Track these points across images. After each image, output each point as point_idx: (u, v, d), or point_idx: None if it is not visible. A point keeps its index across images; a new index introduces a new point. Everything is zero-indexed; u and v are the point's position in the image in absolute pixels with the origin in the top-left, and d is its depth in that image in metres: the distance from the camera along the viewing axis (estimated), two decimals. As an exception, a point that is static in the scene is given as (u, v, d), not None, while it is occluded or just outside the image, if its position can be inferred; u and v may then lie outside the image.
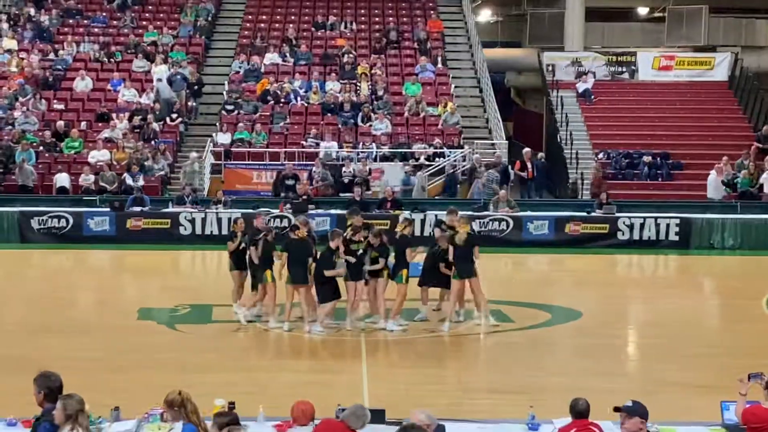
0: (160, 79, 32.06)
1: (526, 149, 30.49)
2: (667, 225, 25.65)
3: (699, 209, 26.68)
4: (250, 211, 24.08)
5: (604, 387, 12.91)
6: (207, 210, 25.58)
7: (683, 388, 13.11)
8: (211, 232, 25.37)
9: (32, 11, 36.19)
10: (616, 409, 8.60)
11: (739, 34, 40.23)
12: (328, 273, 15.48)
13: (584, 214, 26.02)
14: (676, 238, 25.63)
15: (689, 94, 35.57)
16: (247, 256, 16.48)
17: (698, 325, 17.43)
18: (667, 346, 15.44)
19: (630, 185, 30.27)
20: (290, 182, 27.20)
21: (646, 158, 30.80)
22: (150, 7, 37.88)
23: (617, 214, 25.79)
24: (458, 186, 29.24)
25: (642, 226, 25.57)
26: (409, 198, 27.49)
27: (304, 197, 26.18)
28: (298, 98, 32.55)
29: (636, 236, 25.55)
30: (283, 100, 32.31)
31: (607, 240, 25.56)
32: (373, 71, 33.76)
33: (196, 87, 32.76)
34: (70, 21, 36.37)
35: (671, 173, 30.72)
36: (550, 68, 36.02)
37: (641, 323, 18.14)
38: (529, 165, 29.35)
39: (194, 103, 32.53)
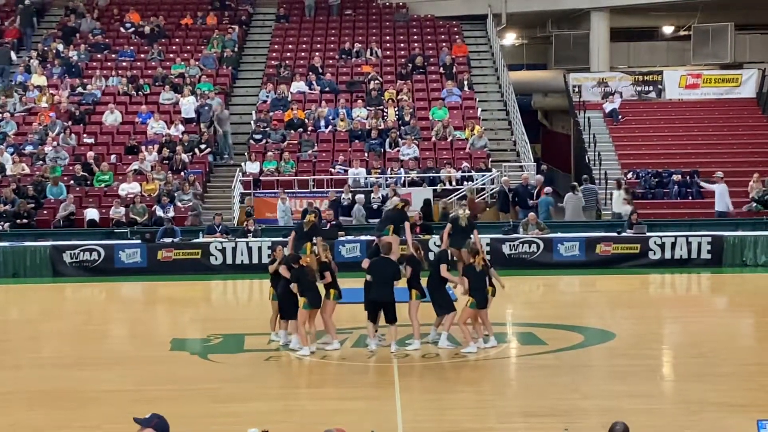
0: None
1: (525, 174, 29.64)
2: (699, 243, 25.51)
3: (730, 227, 26.52)
4: (281, 239, 24.18)
5: (640, 408, 12.83)
6: (237, 239, 25.68)
7: (719, 408, 12.99)
8: (242, 261, 25.47)
9: (61, 47, 36.59)
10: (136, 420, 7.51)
11: (766, 50, 40.11)
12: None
13: (615, 234, 25.92)
14: (708, 256, 25.48)
15: (717, 111, 35.45)
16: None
17: (732, 344, 17.27)
18: (702, 365, 15.33)
19: (660, 204, 30.15)
20: (313, 218, 26.93)
21: (676, 177, 30.67)
22: (177, 40, 38.20)
23: (648, 234, 25.68)
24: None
25: (673, 245, 25.44)
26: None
27: (333, 223, 26.19)
28: (328, 125, 32.68)
29: (668, 255, 25.43)
30: (311, 128, 32.44)
31: (639, 260, 25.44)
32: (399, 97, 33.88)
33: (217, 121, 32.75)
34: (98, 56, 36.73)
35: (701, 191, 30.57)
36: (577, 89, 36.00)
37: (675, 343, 18.00)
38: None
39: (218, 135, 32.57)
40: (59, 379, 15.03)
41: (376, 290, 16.08)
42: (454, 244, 17.02)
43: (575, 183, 29.95)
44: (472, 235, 17.34)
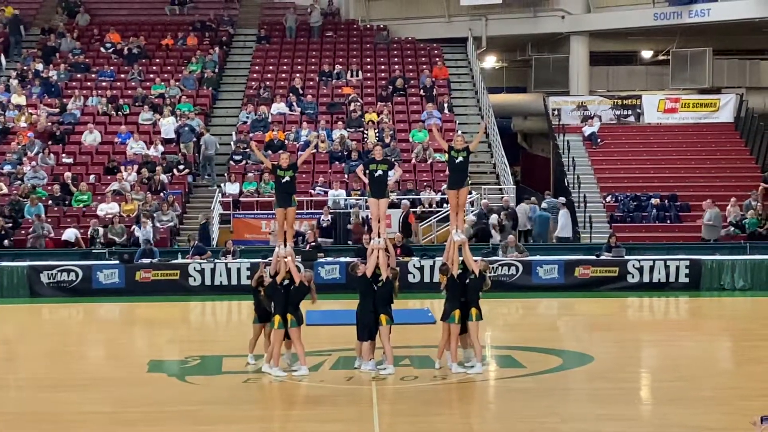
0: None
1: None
2: (677, 267, 25.63)
3: (708, 251, 26.64)
4: (261, 260, 24.11)
5: (617, 432, 12.84)
6: (216, 260, 25.61)
7: (697, 431, 13.03)
8: (221, 282, 25.41)
9: (40, 67, 36.50)
10: None
11: (744, 76, 40.39)
12: None
13: (593, 257, 25.99)
14: (686, 280, 25.61)
15: (695, 135, 35.68)
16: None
17: (710, 368, 17.32)
18: (680, 389, 15.35)
19: (638, 228, 30.31)
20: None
21: (654, 200, 30.84)
22: (157, 60, 38.17)
23: (626, 257, 25.77)
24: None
25: (651, 268, 25.55)
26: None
27: (313, 244, 26.18)
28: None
29: (646, 279, 25.53)
30: (291, 150, 32.43)
31: (617, 283, 25.54)
32: (379, 119, 33.92)
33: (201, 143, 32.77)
34: (78, 75, 36.66)
35: (679, 215, 30.73)
36: (556, 112, 36.16)
37: (653, 366, 18.04)
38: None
39: (203, 157, 32.57)
40: (36, 401, 14.92)
41: None
42: (452, 300, 16.38)
43: (534, 199, 30.29)
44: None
